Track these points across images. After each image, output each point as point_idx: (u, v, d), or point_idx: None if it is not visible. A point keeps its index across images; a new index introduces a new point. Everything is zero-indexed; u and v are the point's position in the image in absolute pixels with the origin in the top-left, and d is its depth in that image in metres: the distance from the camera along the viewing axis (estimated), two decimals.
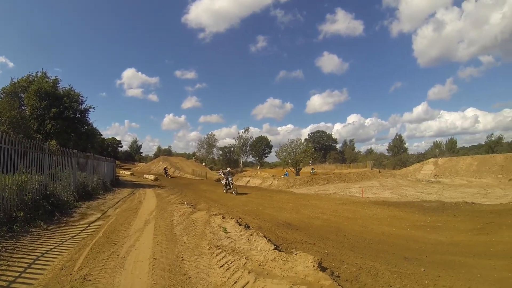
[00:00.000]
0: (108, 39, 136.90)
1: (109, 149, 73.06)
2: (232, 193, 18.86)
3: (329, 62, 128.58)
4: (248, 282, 3.98)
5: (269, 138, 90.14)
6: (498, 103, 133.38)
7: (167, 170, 45.91)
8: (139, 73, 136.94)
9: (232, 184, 19.50)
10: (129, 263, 5.18)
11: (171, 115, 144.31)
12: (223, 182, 20.25)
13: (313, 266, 4.18)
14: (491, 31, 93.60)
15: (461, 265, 5.21)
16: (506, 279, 4.42)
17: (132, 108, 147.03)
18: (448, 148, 57.77)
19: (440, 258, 5.70)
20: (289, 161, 49.26)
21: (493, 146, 47.63)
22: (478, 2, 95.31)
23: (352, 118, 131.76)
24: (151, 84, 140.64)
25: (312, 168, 50.91)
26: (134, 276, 4.62)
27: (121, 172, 43.12)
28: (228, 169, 22.16)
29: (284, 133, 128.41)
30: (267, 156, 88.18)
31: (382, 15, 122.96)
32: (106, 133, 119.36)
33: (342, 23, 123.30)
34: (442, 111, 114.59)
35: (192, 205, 12.39)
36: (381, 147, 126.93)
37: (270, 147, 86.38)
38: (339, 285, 3.65)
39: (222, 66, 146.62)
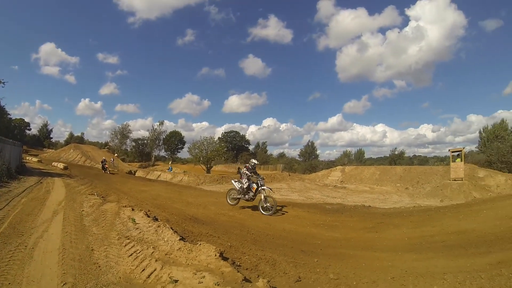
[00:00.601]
0: (29, 4, 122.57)
1: (16, 131, 65.79)
2: (265, 211, 11.24)
3: (252, 64, 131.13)
4: (155, 270, 4.32)
5: (184, 133, 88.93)
6: (405, 122, 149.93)
7: (104, 164, 32.85)
8: (59, 49, 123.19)
9: (263, 189, 11.70)
10: (38, 254, 5.12)
11: (87, 100, 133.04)
12: (238, 185, 12.39)
13: (215, 255, 4.61)
14: (407, 60, 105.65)
15: (350, 256, 6.06)
16: (386, 267, 5.27)
17: (46, 87, 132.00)
18: (356, 157, 63.02)
19: (333, 251, 6.53)
20: (201, 158, 49.34)
21: (395, 159, 53.52)
22: (400, 34, 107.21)
23: (268, 122, 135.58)
24: (70, 64, 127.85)
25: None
26: (44, 266, 4.61)
27: (27, 158, 39.08)
28: (255, 161, 13.49)
29: (199, 130, 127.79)
30: (179, 152, 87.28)
31: (313, 28, 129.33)
32: (14, 112, 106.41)
33: (272, 29, 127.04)
34: (355, 124, 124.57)
35: (102, 197, 11.98)
36: (294, 152, 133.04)
37: (183, 142, 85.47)
38: (238, 272, 4.12)
39: (147, 55, 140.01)
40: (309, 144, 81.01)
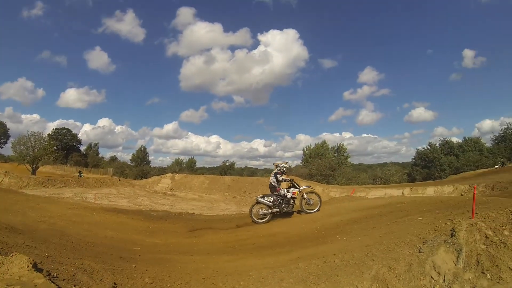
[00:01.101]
0: None
1: None
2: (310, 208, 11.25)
3: (98, 58, 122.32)
4: None
5: (10, 125, 77.44)
6: (239, 135, 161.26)
7: None
8: None
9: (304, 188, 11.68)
10: None
11: None
12: (270, 199, 10.93)
13: (28, 266, 4.28)
14: (249, 79, 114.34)
15: (167, 260, 6.27)
16: (199, 269, 5.63)
17: None
18: (188, 166, 64.53)
19: (152, 256, 6.67)
20: (26, 157, 42.84)
21: (226, 169, 56.75)
22: (248, 54, 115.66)
23: (104, 122, 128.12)
24: None
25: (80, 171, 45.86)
26: None
27: None
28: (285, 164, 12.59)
29: (28, 123, 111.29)
30: (2, 147, 74.42)
31: (167, 33, 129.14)
32: None
33: (127, 25, 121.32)
34: (190, 133, 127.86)
35: None
36: (127, 156, 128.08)
37: (7, 136, 73.19)
38: (52, 282, 3.97)
39: None
40: (141, 149, 79.19)
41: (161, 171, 50.96)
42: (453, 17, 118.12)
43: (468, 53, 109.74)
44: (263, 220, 10.58)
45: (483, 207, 8.04)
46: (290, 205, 11.24)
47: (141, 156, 75.69)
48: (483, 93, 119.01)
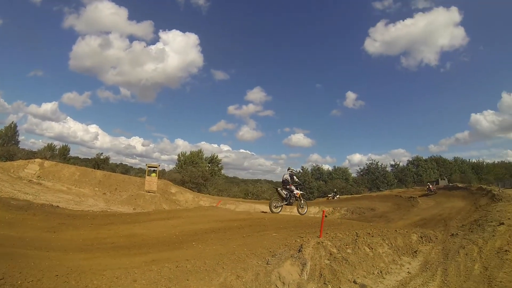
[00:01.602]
0: None
1: None
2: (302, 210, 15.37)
3: None
4: None
5: None
6: (119, 129, 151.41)
7: None
8: None
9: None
10: None
11: None
12: (285, 192, 14.85)
13: None
14: (140, 74, 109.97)
15: (21, 256, 5.86)
16: (54, 266, 5.39)
17: None
18: (60, 153, 59.08)
19: (4, 250, 6.12)
20: None
21: (99, 163, 53.22)
22: (145, 49, 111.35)
23: None
24: None
25: None
26: None
27: None
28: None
29: None
30: None
31: (69, 2, 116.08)
32: None
33: None
34: (69, 118, 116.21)
35: None
36: None
37: None
38: None
39: None
40: (12, 126, 69.93)
41: (30, 154, 45.58)
42: (345, 61, 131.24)
43: (350, 95, 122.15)
44: (278, 210, 14.53)
45: (335, 228, 9.21)
46: (290, 201, 14.64)
47: (10, 134, 66.81)
48: (357, 130, 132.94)
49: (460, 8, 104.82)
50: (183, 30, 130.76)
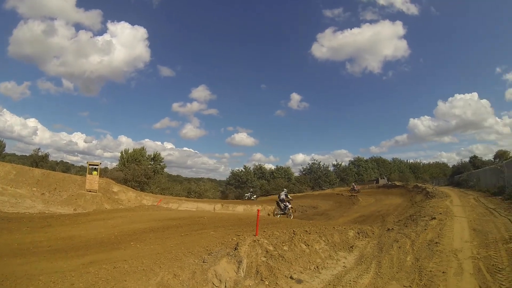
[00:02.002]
0: None
1: None
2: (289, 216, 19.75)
3: None
4: None
5: None
6: (60, 124, 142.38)
7: None
8: None
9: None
10: None
11: None
12: (283, 206, 20.21)
13: None
14: (85, 66, 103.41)
15: None
16: None
17: None
18: None
19: None
20: None
21: (38, 160, 50.16)
22: (92, 39, 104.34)
23: None
24: None
25: None
26: None
27: None
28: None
29: None
30: None
31: None
32: None
33: None
34: (5, 110, 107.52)
35: None
36: None
37: None
38: None
39: None
40: None
41: None
42: (291, 64, 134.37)
43: (295, 96, 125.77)
44: (278, 216, 19.15)
45: (274, 226, 9.60)
46: (285, 211, 19.74)
47: None
48: (301, 131, 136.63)
49: (404, 23, 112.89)
50: (132, 23, 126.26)
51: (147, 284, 4.85)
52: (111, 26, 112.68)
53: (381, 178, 60.16)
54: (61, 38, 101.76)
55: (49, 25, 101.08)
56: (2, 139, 60.35)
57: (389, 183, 50.60)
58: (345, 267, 7.15)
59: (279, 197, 20.71)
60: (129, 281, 4.92)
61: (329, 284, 6.19)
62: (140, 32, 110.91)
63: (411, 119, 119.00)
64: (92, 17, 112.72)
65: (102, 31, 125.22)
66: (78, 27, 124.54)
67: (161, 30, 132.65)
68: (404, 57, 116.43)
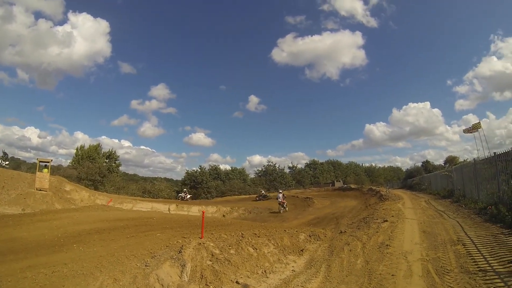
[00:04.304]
0: None
1: None
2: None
3: None
4: None
5: None
6: (13, 118, 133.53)
7: None
8: None
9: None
10: None
11: None
12: (280, 201, 27.86)
13: None
14: (42, 57, 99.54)
15: None
16: None
17: None
18: None
19: None
20: None
21: None
22: (52, 29, 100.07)
23: None
24: None
25: None
26: None
27: None
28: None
29: None
30: None
31: None
32: None
33: None
34: None
35: None
36: None
37: None
38: None
39: None
40: None
41: None
42: (251, 66, 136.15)
43: (253, 99, 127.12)
44: (281, 211, 26.93)
45: (223, 228, 9.69)
46: (284, 209, 27.28)
47: None
48: (258, 133, 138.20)
49: (363, 33, 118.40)
50: (95, 15, 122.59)
51: None
52: (72, 16, 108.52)
53: (337, 181, 61.70)
54: (19, 26, 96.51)
55: (7, 10, 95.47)
56: None
57: (345, 186, 51.95)
58: (294, 271, 7.21)
59: (277, 198, 28.05)
60: (67, 286, 4.89)
61: None
62: (102, 25, 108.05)
63: (367, 125, 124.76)
64: (54, 5, 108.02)
65: (63, 21, 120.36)
66: (38, 15, 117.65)
67: (124, 25, 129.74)
68: (362, 66, 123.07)
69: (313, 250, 8.91)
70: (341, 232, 10.86)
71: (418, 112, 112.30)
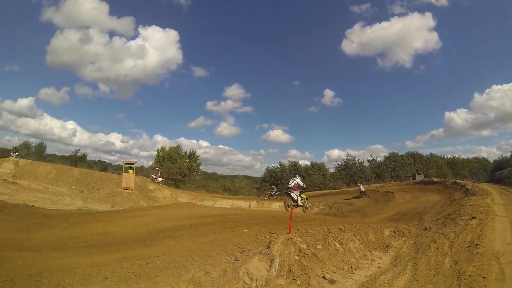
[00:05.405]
0: None
1: None
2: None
3: None
4: None
5: None
6: (98, 126, 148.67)
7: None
8: None
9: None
10: None
11: None
12: (295, 197, 17.15)
13: None
14: (119, 70, 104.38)
15: None
16: (27, 266, 5.53)
17: None
18: (36, 151, 57.46)
19: None
20: None
21: (77, 160, 52.13)
22: (126, 44, 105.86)
23: None
24: None
25: None
26: None
27: None
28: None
29: None
30: None
31: None
32: None
33: None
34: (46, 114, 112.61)
35: None
36: None
37: None
38: None
39: None
40: None
41: (5, 153, 44.21)
42: (322, 60, 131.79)
43: (328, 93, 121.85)
44: (289, 209, 15.47)
45: (308, 224, 9.44)
46: (299, 204, 17.10)
47: None
48: (335, 127, 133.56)
49: (434, 14, 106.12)
50: (163, 27, 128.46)
51: (178, 280, 4.85)
52: (142, 31, 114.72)
53: (417, 174, 58.05)
54: (96, 45, 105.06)
55: (84, 34, 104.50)
56: (43, 141, 63.03)
57: (426, 179, 48.67)
58: (380, 268, 6.94)
59: (287, 185, 17.74)
60: (161, 276, 4.96)
61: (363, 285, 6.04)
62: (171, 35, 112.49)
63: (447, 113, 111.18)
64: (125, 23, 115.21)
65: (135, 36, 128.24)
66: (112, 34, 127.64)
67: (192, 32, 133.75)
68: (436, 50, 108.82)
69: (399, 247, 8.41)
70: (425, 228, 10.16)
71: (504, 95, 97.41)
